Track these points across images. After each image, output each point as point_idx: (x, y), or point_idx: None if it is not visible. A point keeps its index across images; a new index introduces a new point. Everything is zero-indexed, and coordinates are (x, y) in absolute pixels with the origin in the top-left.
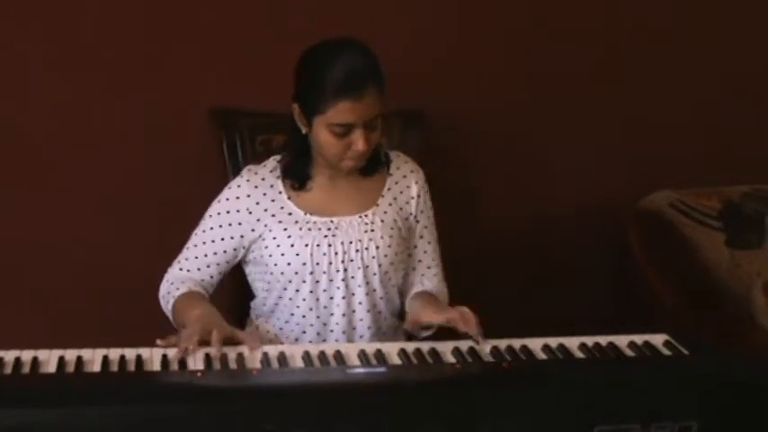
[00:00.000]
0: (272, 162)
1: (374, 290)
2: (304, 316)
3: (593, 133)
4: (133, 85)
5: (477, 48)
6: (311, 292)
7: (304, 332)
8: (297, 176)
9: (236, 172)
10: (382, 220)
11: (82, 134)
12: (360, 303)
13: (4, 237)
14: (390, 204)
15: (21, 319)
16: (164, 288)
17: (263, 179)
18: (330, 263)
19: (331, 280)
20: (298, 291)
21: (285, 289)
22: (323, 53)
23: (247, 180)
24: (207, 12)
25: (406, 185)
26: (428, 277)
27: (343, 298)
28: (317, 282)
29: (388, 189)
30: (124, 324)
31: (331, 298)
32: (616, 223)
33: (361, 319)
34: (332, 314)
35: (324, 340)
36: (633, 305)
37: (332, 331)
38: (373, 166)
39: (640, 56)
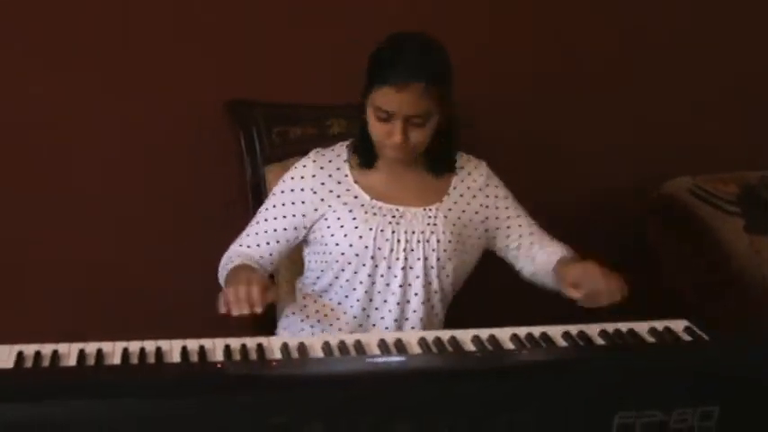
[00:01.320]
0: (340, 146)
1: (429, 283)
2: (358, 300)
3: (610, 120)
4: (148, 79)
5: (490, 42)
6: (369, 275)
7: (355, 317)
8: (362, 153)
9: (254, 163)
10: (445, 216)
11: (98, 130)
12: (416, 295)
13: (26, 236)
14: (455, 202)
15: (39, 318)
16: (222, 264)
17: (329, 161)
18: (392, 250)
19: (389, 267)
20: (356, 273)
21: (343, 270)
22: (393, 40)
23: (314, 161)
24: (221, 4)
25: (472, 180)
26: (541, 243)
27: (400, 287)
28: (376, 266)
29: (454, 188)
30: (144, 320)
31: (387, 285)
32: (635, 209)
33: (414, 311)
34: (385, 301)
35: (373, 325)
36: (653, 291)
37: (383, 318)
38: (442, 167)
39: (658, 42)
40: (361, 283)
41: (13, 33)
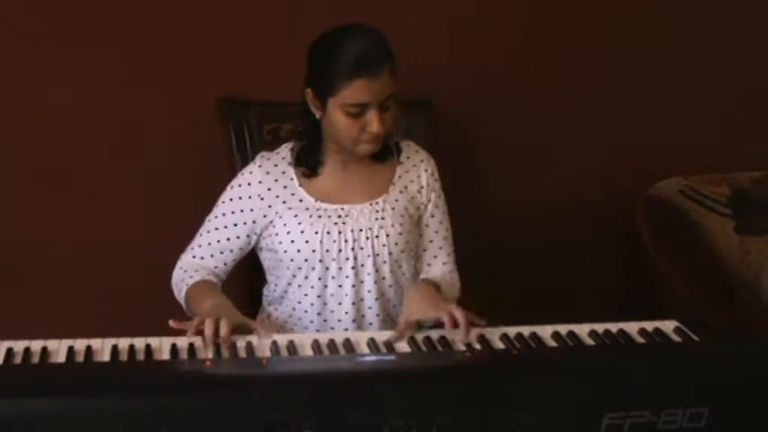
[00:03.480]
0: (285, 149)
1: (383, 278)
2: (312, 304)
3: (602, 121)
4: (140, 77)
5: (486, 37)
6: (320, 279)
7: (312, 321)
8: (308, 162)
9: (245, 161)
10: (393, 208)
11: (89, 128)
12: (369, 292)
13: (20, 235)
14: (401, 192)
15: (33, 317)
16: (176, 275)
17: (275, 165)
18: (340, 250)
19: (340, 268)
20: (307, 278)
21: (294, 276)
22: (336, 36)
23: (259, 166)
24: (213, 2)
25: (417, 174)
26: (435, 266)
27: (353, 286)
28: (327, 269)
29: (399, 177)
30: (131, 318)
31: (340, 286)
32: (626, 210)
33: (369, 308)
34: (340, 303)
35: (332, 328)
36: (643, 292)
37: (339, 321)
38: (384, 153)
39: (649, 45)
40: (312, 287)
41: (9, 33)
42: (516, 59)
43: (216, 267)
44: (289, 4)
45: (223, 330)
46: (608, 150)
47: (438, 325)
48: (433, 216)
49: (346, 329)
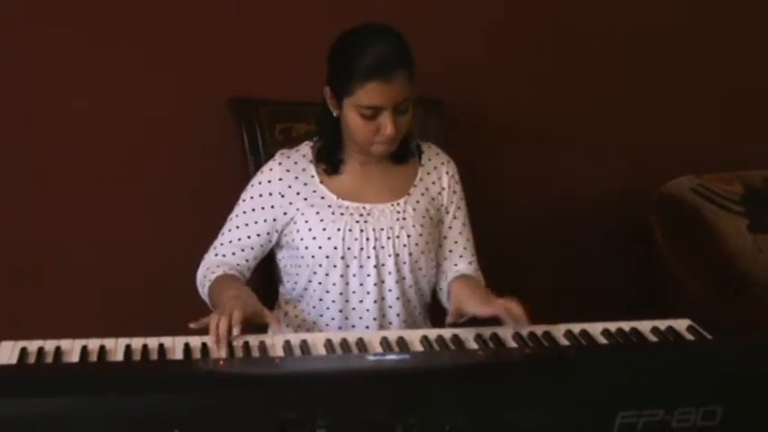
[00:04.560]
0: (305, 147)
1: (404, 278)
2: (334, 301)
3: (614, 119)
4: (150, 79)
5: (496, 37)
6: (341, 276)
7: (333, 318)
8: (329, 160)
9: (257, 161)
10: (414, 209)
11: (100, 128)
12: (390, 291)
13: (30, 235)
14: (422, 194)
15: (46, 318)
16: (200, 274)
17: (295, 162)
18: (362, 248)
19: (362, 266)
20: (328, 275)
21: (315, 273)
22: (355, 37)
23: (279, 163)
24: (224, 2)
25: (438, 176)
26: (461, 266)
27: (375, 285)
28: (348, 267)
29: (420, 179)
30: (146, 318)
31: (361, 284)
32: (639, 208)
33: (390, 307)
34: (362, 301)
35: (353, 326)
36: (656, 290)
37: (361, 318)
38: (404, 154)
39: (661, 40)
40: (334, 284)
41: (17, 33)
42: (527, 59)
43: (238, 265)
44: (299, 4)
45: (234, 319)
46: (619, 149)
47: (474, 320)
48: (456, 218)
49: (367, 327)
